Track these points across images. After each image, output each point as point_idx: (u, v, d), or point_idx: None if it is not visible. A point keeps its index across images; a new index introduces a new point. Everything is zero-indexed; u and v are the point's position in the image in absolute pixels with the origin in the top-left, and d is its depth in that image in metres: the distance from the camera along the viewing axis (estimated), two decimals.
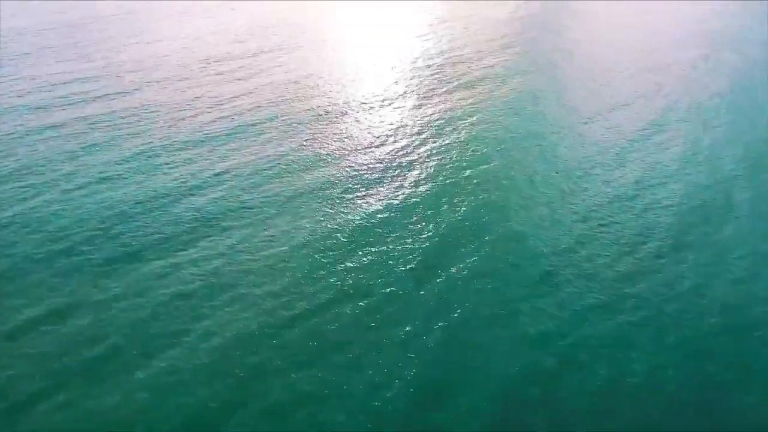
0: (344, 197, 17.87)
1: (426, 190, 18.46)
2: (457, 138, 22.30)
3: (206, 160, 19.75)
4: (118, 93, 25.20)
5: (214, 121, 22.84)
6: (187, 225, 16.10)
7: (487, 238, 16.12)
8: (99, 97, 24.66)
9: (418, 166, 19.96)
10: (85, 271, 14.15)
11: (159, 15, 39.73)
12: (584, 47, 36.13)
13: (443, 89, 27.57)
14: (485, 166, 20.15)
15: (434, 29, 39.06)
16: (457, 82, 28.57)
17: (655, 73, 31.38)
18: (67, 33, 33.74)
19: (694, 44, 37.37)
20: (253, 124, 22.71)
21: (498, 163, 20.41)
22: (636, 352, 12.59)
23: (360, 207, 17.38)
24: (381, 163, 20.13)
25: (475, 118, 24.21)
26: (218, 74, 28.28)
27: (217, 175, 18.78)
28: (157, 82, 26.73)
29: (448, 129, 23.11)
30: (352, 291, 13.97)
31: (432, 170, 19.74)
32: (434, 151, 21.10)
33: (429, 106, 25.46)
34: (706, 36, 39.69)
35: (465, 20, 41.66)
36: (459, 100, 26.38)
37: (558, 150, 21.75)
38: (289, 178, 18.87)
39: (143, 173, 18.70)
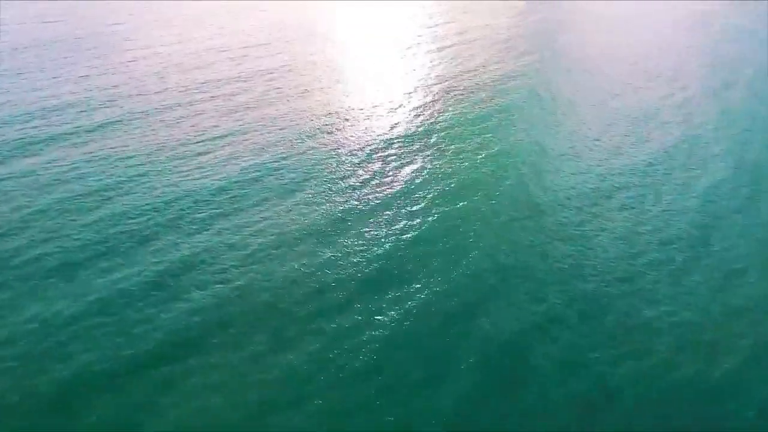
0: (360, 289, 13.62)
1: (456, 255, 14.45)
2: (488, 188, 18.26)
3: (183, 231, 15.42)
4: (91, 124, 21.05)
5: (197, 168, 18.57)
6: (166, 337, 11.82)
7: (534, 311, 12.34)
8: (66, 132, 20.43)
9: (439, 227, 15.99)
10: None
11: (146, 26, 35.44)
12: (616, 59, 32.58)
13: (468, 119, 23.65)
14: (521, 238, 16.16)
15: (450, 40, 35.40)
16: (479, 108, 24.83)
17: (703, 89, 28.09)
18: (45, 50, 29.47)
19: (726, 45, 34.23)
20: (247, 172, 18.52)
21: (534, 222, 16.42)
22: None
23: (376, 294, 13.32)
24: (401, 229, 15.88)
25: (504, 147, 20.57)
26: (211, 98, 24.18)
27: (194, 254, 14.49)
28: (136, 113, 22.47)
29: (476, 171, 19.27)
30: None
31: (462, 236, 15.65)
32: (459, 208, 17.07)
33: (451, 142, 21.44)
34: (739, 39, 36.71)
35: (483, 30, 38.11)
36: (481, 126, 22.87)
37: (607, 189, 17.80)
38: (293, 253, 14.64)
39: (102, 260, 14.21)
